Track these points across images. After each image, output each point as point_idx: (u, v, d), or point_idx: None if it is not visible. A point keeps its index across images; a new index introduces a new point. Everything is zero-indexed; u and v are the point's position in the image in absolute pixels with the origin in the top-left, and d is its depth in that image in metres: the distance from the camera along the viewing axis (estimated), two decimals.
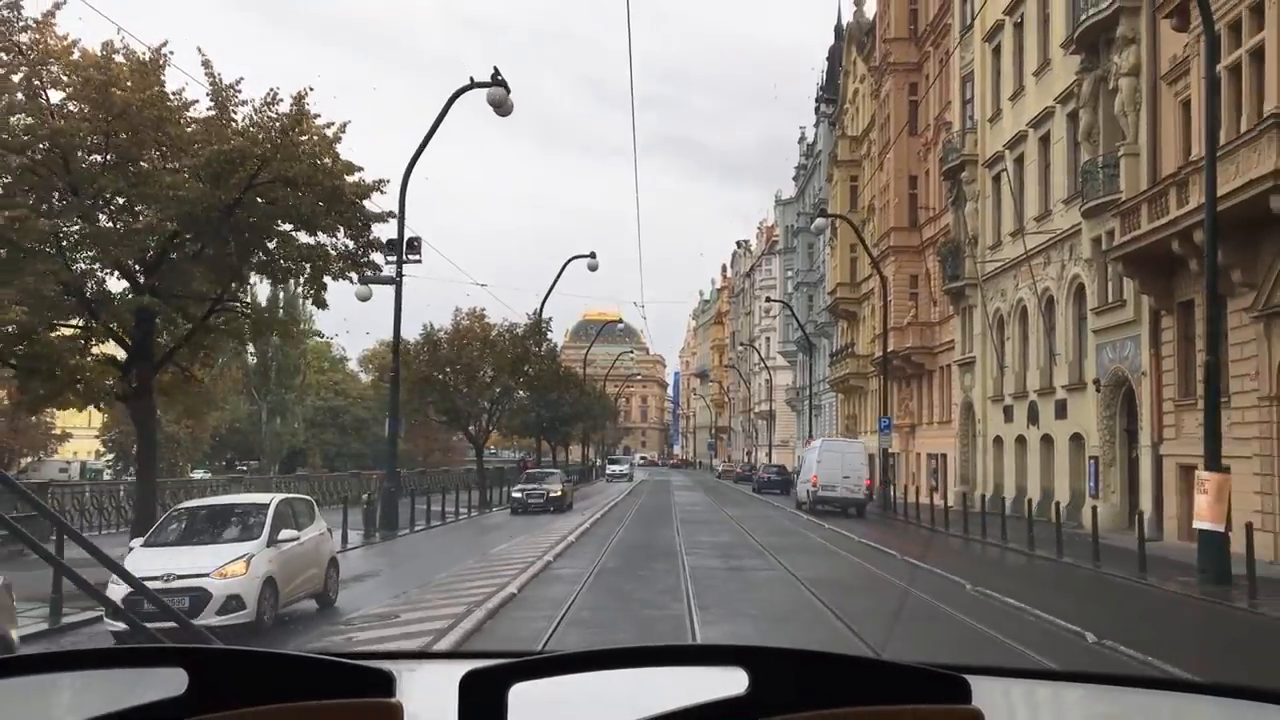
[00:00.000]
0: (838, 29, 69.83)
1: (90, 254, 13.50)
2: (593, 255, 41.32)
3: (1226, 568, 14.53)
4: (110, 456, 66.70)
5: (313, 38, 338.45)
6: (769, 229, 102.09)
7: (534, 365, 38.22)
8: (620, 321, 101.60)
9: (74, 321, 14.18)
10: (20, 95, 13.29)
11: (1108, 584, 15.79)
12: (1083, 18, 23.45)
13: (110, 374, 13.90)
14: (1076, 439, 26.55)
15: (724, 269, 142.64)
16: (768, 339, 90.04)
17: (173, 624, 2.50)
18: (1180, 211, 18.46)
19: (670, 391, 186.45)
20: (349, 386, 71.29)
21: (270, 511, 11.62)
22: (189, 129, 13.79)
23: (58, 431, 63.54)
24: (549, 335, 40.31)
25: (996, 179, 32.41)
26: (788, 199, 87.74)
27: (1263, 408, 17.85)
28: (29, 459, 63.28)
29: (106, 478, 49.81)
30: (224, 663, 0.94)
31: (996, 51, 33.01)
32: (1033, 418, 29.44)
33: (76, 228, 13.38)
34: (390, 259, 22.44)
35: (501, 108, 24.06)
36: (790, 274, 79.86)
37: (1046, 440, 28.59)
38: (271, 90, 14.48)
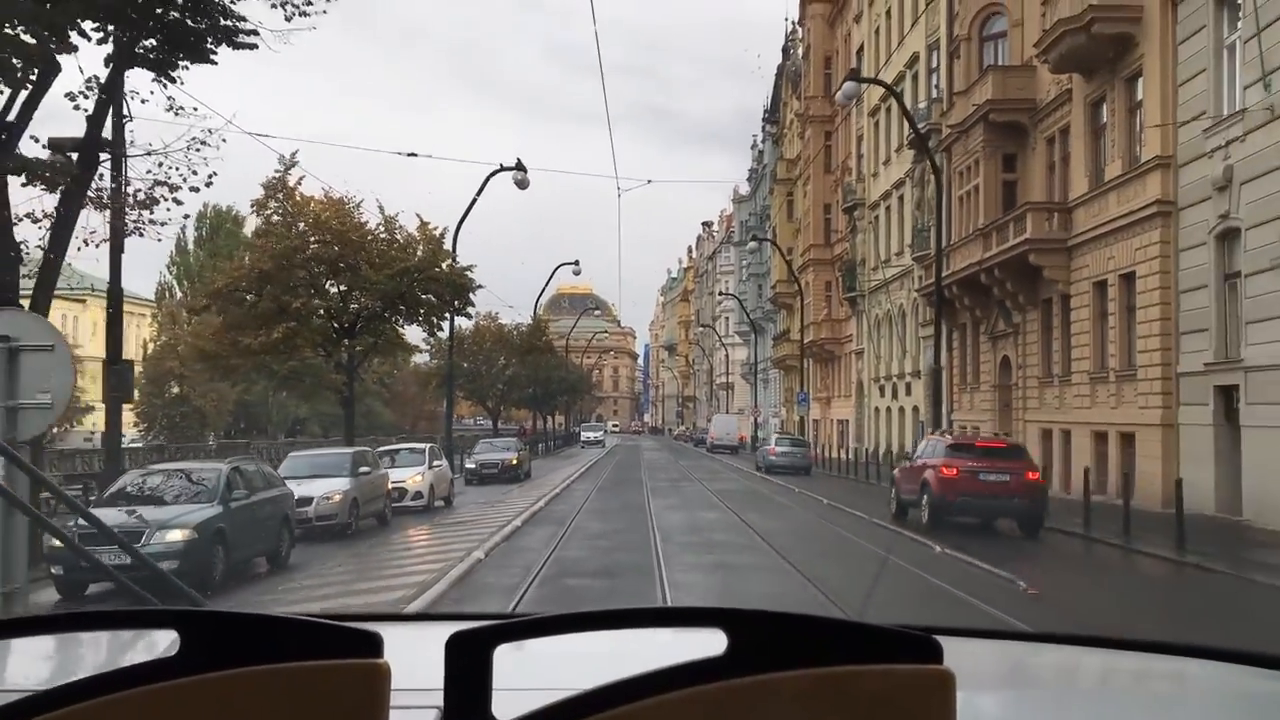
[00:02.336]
0: (785, 49, 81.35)
1: (321, 319, 25.18)
2: (576, 263, 53.04)
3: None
4: (143, 426, 77.58)
5: None
6: (728, 218, 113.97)
7: (536, 355, 50.30)
8: (597, 309, 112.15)
9: (317, 354, 25.93)
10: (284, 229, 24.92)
11: (881, 494, 27.87)
12: (908, 132, 35.40)
13: (340, 381, 25.68)
14: (915, 410, 38.75)
15: (689, 250, 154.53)
16: (727, 319, 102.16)
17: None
18: (946, 272, 30.54)
19: (640, 362, 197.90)
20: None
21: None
22: (376, 246, 25.46)
23: (82, 405, 73.65)
24: (544, 332, 52.35)
25: (874, 220, 44.46)
26: (743, 196, 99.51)
27: (988, 390, 30.11)
28: (57, 429, 73.32)
29: (138, 446, 57.80)
30: (216, 624, 0.96)
31: (876, 125, 44.88)
32: (894, 394, 41.64)
33: (316, 302, 25.05)
34: None
35: (522, 185, 35.58)
36: (745, 263, 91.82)
37: (902, 411, 40.77)
38: (420, 219, 26.40)
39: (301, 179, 25.84)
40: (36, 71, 11.91)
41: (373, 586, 11.60)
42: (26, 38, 11.43)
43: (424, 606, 9.65)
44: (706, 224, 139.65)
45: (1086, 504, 18.26)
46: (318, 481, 17.21)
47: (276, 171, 25.09)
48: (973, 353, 32.48)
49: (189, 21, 12.84)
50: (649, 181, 56.20)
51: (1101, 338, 23.35)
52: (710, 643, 0.93)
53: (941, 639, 0.94)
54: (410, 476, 22.29)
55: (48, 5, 11.35)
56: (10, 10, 11.10)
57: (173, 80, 13.15)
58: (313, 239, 24.91)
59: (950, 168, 31.49)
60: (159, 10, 12.48)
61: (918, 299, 37.36)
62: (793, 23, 68.20)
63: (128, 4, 11.94)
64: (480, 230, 37.62)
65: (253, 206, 25.33)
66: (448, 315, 28.24)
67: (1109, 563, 15.40)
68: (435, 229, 27.10)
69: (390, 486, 20.84)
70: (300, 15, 13.76)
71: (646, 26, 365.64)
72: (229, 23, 13.09)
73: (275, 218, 25.28)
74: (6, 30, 11.37)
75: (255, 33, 13.32)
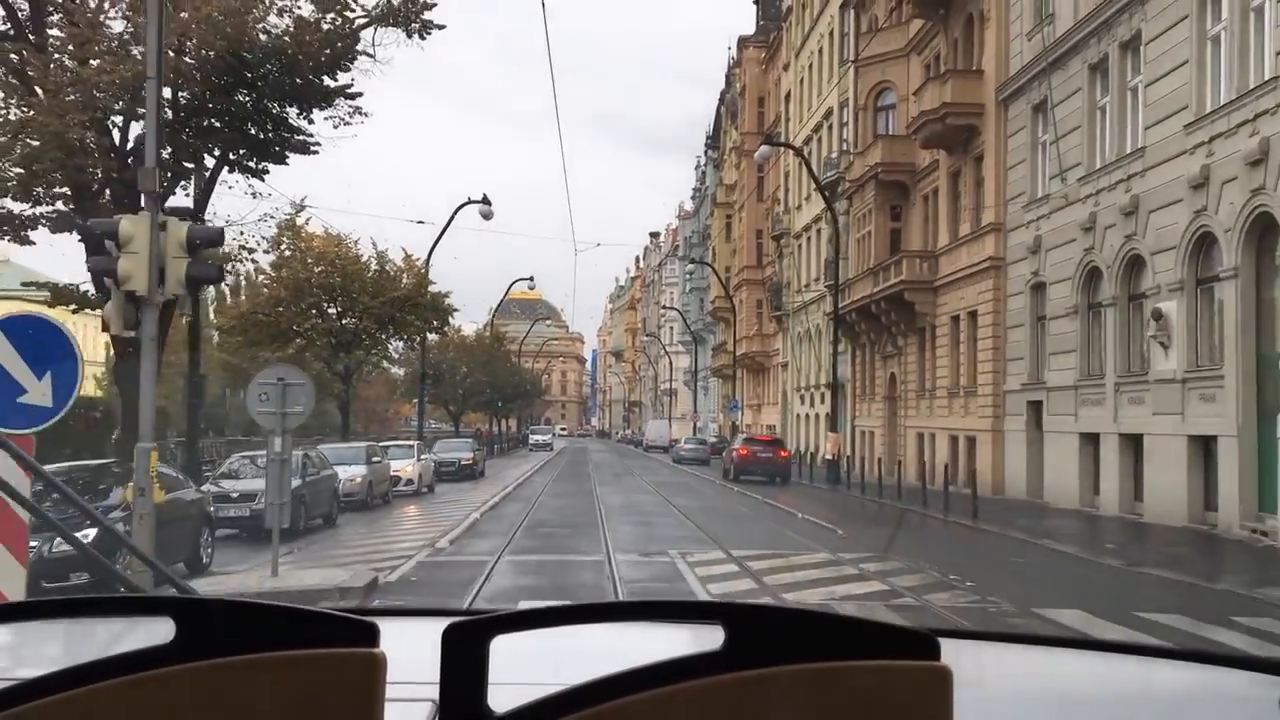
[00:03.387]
0: (727, 77, 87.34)
1: (325, 337, 30.40)
2: (531, 279, 58.46)
3: (837, 478, 32.37)
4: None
5: None
6: (674, 231, 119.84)
7: (495, 364, 55.69)
8: (548, 318, 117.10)
9: (320, 366, 31.12)
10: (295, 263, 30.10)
11: (804, 485, 33.67)
12: (821, 177, 41.28)
13: (338, 387, 30.85)
14: (828, 416, 44.63)
15: (637, 260, 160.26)
16: (671, 328, 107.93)
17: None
18: (846, 301, 36.42)
19: (589, 367, 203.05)
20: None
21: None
22: (369, 275, 30.71)
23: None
24: (503, 342, 57.73)
25: (798, 248, 50.41)
26: (688, 213, 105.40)
27: (880, 401, 36.07)
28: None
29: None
30: (211, 612, 0.95)
31: (800, 165, 50.80)
32: (811, 403, 47.57)
33: (321, 323, 30.25)
34: None
35: (486, 217, 40.92)
36: (688, 278, 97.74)
37: (817, 417, 46.67)
38: (405, 252, 31.68)
39: (309, 219, 31.09)
40: (172, 176, 17.25)
41: (412, 534, 17.07)
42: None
43: (452, 540, 15.13)
44: (654, 235, 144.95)
45: (945, 490, 23.85)
46: (340, 468, 22.50)
47: (287, 214, 30.35)
48: (869, 369, 38.46)
49: (274, 139, 18.21)
50: (598, 245, 61.48)
51: (955, 361, 29.32)
52: (708, 637, 0.92)
53: (941, 640, 0.94)
54: (404, 466, 27.60)
55: (192, 136, 16.70)
56: (173, 141, 16.44)
57: (260, 178, 18.53)
58: (317, 269, 30.16)
59: (851, 214, 37.42)
60: (255, 133, 17.82)
61: (829, 322, 43.31)
62: (733, 57, 74.23)
63: (240, 135, 17.29)
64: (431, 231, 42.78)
65: (269, 242, 30.55)
66: (428, 332, 33.65)
67: (870, 511, 21.69)
68: (418, 260, 32.53)
69: (391, 474, 26.24)
70: (344, 125, 19.25)
71: (596, 33, 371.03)
72: (301, 138, 18.49)
73: (287, 253, 30.51)
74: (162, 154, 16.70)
75: (318, 143, 18.76)
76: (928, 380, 31.71)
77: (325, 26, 17.37)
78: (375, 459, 24.03)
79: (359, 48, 18.42)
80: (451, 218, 36.89)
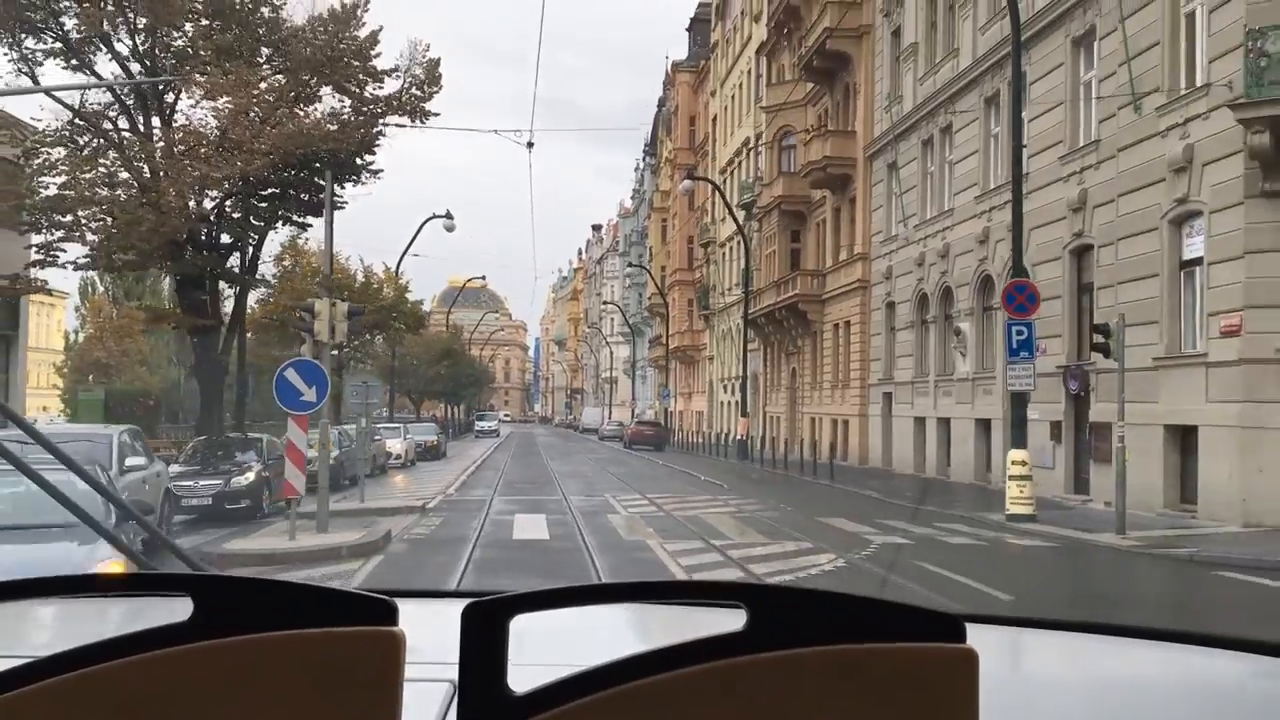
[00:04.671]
0: (662, 94, 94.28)
1: None
2: (483, 277, 65.28)
3: (746, 454, 39.54)
4: (69, 412, 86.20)
5: None
6: (615, 227, 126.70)
7: (453, 357, 62.39)
8: (496, 312, 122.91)
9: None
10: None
11: (718, 460, 40.83)
12: (737, 201, 48.43)
13: (333, 380, 37.50)
14: (744, 405, 51.97)
15: (580, 252, 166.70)
16: (612, 320, 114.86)
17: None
18: (756, 307, 43.61)
19: (531, 354, 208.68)
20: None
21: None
22: (356, 287, 37.26)
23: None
24: (459, 337, 64.36)
25: (722, 256, 57.61)
26: (627, 211, 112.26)
27: (784, 391, 43.45)
28: None
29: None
30: (230, 590, 0.95)
31: (725, 182, 57.96)
32: (732, 392, 54.86)
33: None
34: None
35: (450, 230, 47.46)
36: (627, 273, 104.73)
37: (736, 404, 53.95)
38: (385, 266, 38.21)
39: (307, 240, 37.54)
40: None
41: (425, 488, 23.84)
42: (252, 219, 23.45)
43: (455, 490, 22.03)
44: (596, 227, 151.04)
45: (828, 461, 31.16)
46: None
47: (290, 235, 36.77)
48: (776, 364, 45.80)
49: (317, 201, 24.85)
50: (564, 274, 68.21)
51: (836, 360, 36.67)
52: (729, 618, 0.93)
53: (967, 625, 0.93)
54: (395, 445, 34.27)
55: (263, 205, 23.37)
56: (246, 205, 23.07)
57: (304, 229, 25.22)
58: (315, 281, 36.61)
59: (761, 234, 44.68)
60: (306, 199, 24.45)
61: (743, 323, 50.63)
62: (669, 74, 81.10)
63: (294, 200, 23.92)
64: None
65: (274, 260, 36.99)
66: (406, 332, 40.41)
67: (758, 475, 28.88)
68: (402, 276, 39.24)
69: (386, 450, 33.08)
70: (360, 185, 25.94)
71: (545, 16, 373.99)
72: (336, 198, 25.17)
73: (290, 268, 36.98)
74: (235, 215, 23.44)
75: (346, 202, 25.46)
76: (817, 375, 39.06)
77: (360, 124, 24.08)
78: (376, 438, 30.73)
79: (375, 129, 25.19)
80: (417, 233, 43.08)
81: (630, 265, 76.03)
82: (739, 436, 40.70)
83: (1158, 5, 17.74)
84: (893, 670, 0.91)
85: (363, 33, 23.85)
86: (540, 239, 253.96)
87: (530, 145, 41.22)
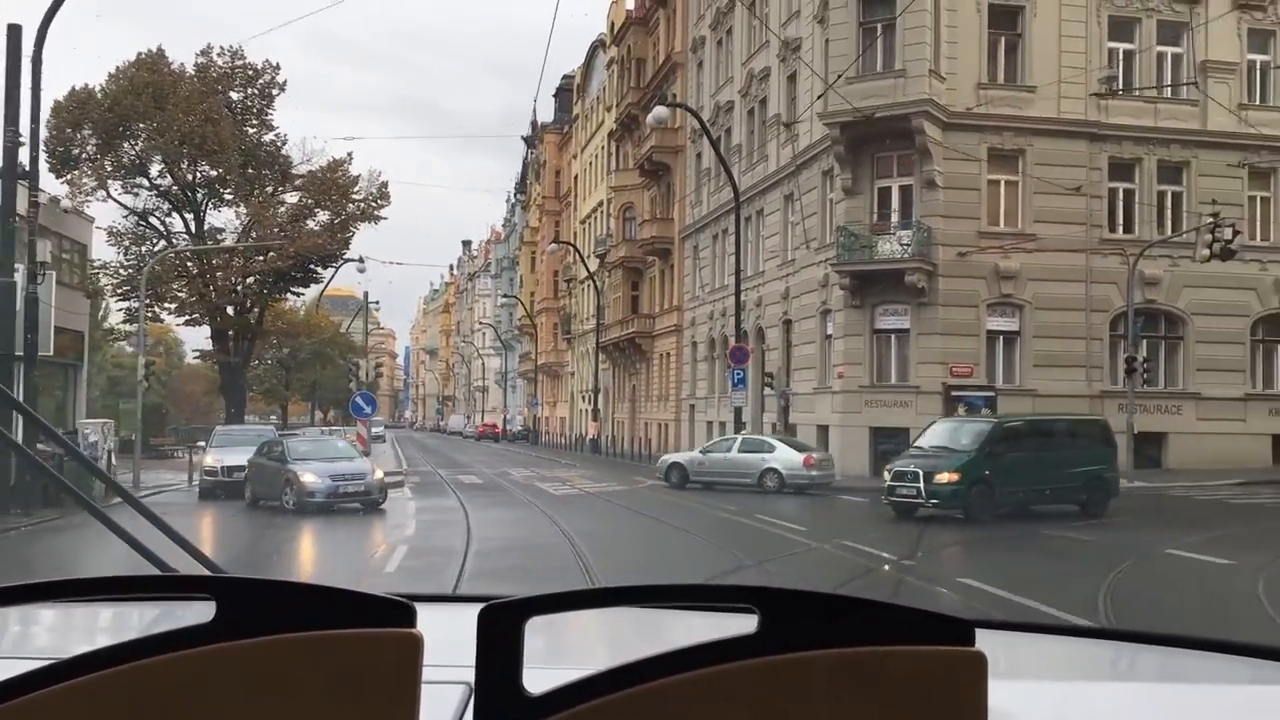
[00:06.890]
0: (530, 142, 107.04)
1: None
2: (361, 259, 77.04)
3: (598, 449, 52.96)
4: None
5: None
6: (487, 247, 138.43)
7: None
8: (376, 326, 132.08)
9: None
10: None
11: (576, 453, 54.16)
12: (590, 252, 61.97)
13: (282, 392, 49.43)
14: (597, 411, 65.60)
15: (451, 268, 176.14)
16: (484, 333, 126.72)
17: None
18: (606, 338, 57.23)
19: (401, 362, 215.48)
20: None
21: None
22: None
23: None
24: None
25: (581, 290, 71.12)
26: (499, 234, 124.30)
27: (627, 402, 57.28)
28: None
29: None
30: (252, 592, 0.97)
31: (586, 228, 71.52)
32: (588, 401, 68.40)
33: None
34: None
35: (361, 272, 59.81)
36: (500, 294, 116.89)
37: (595, 412, 67.55)
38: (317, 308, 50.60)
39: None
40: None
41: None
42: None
43: (405, 468, 35.09)
44: (466, 243, 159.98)
45: (642, 452, 44.83)
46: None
47: None
48: (622, 381, 59.61)
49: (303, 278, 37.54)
50: (435, 287, 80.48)
51: (662, 381, 50.61)
52: (740, 620, 0.94)
53: (977, 630, 0.95)
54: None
55: (264, 286, 36.00)
56: (262, 285, 35.73)
57: (296, 296, 37.90)
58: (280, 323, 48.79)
59: (609, 280, 58.53)
60: (299, 276, 37.02)
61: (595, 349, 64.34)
62: (539, 129, 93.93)
63: (285, 282, 36.52)
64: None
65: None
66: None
67: (599, 461, 42.45)
68: (339, 321, 51.76)
69: None
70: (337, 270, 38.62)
71: (408, 18, 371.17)
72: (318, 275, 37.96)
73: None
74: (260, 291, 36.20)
75: (320, 276, 38.21)
76: (650, 391, 52.92)
77: (338, 228, 36.89)
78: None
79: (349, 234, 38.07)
80: (331, 276, 55.45)
81: (504, 296, 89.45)
82: (592, 436, 54.31)
83: (816, 194, 32.18)
84: (903, 673, 0.93)
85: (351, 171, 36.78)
86: (412, 247, 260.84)
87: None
